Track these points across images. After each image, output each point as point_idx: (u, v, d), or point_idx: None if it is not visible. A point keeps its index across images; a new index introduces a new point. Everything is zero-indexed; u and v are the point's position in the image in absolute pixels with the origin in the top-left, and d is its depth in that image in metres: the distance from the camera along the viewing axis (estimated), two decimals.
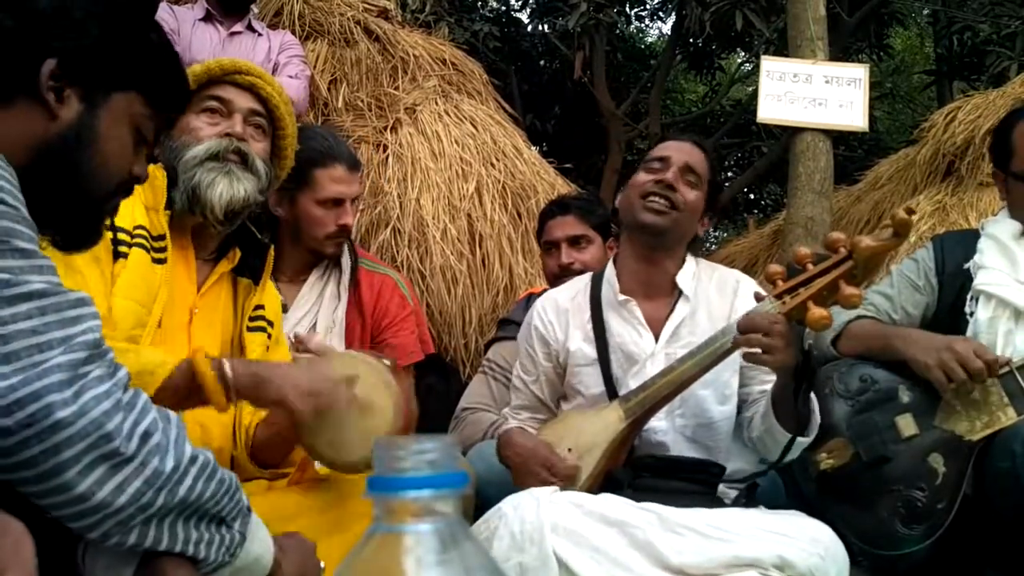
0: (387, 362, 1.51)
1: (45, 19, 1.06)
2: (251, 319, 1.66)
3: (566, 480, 1.72)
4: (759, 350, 1.61)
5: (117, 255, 1.46)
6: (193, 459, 1.02)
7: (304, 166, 2.04)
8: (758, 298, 1.68)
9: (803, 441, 1.75)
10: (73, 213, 1.07)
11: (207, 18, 3.24)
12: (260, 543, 1.13)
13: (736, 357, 1.74)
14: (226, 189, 1.57)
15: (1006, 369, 1.84)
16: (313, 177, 2.09)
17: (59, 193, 1.05)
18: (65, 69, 1.07)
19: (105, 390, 0.94)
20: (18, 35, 1.05)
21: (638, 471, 1.74)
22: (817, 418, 1.77)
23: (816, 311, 1.59)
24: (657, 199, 1.81)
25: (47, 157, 1.04)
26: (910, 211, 1.57)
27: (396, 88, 3.81)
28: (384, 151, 3.60)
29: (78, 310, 0.95)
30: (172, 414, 1.04)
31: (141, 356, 1.29)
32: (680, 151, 1.87)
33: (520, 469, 1.78)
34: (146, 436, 0.96)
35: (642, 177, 1.86)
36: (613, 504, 1.58)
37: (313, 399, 1.35)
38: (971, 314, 2.00)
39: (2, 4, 1.05)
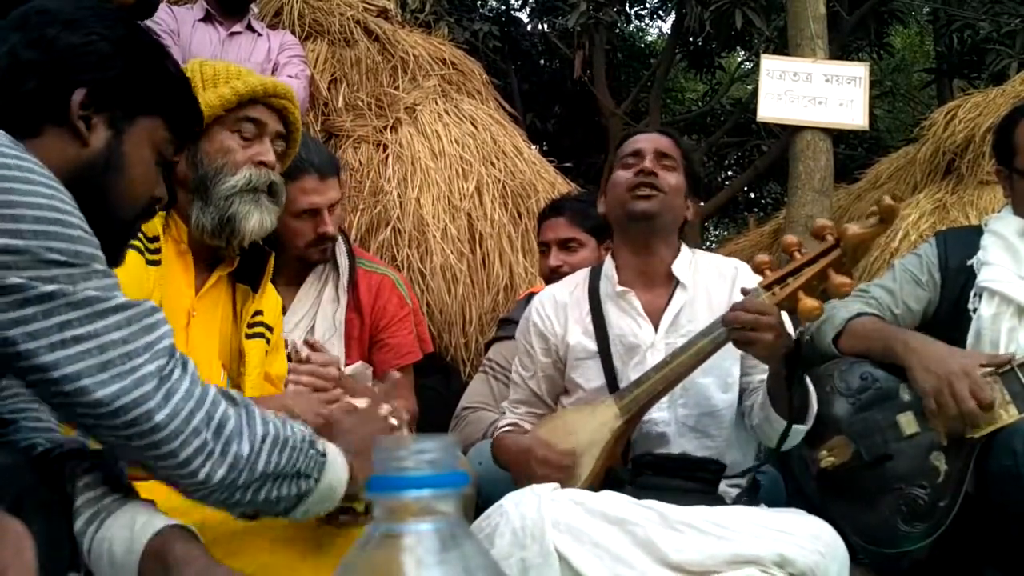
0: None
1: (71, 55, 1.13)
2: (250, 326, 1.66)
3: (565, 470, 1.72)
4: (748, 341, 1.62)
5: None
6: (264, 437, 1.10)
7: None
8: (745, 292, 1.68)
9: (800, 428, 1.75)
10: (103, 236, 1.09)
11: (207, 18, 3.23)
12: (334, 473, 1.19)
13: None
14: (257, 222, 1.59)
15: (1008, 367, 1.83)
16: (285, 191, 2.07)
17: (90, 217, 1.07)
18: (93, 98, 1.13)
19: (187, 389, 1.04)
20: (45, 70, 1.11)
21: (639, 469, 1.75)
22: (815, 406, 1.77)
23: (807, 301, 1.58)
24: (643, 188, 1.84)
25: (78, 183, 1.07)
26: (896, 197, 1.57)
27: (396, 88, 3.81)
28: (384, 151, 3.60)
29: (154, 317, 1.06)
30: (237, 395, 1.13)
31: None
32: (649, 141, 1.92)
33: (518, 471, 1.78)
34: (221, 425, 1.06)
35: (622, 174, 1.88)
36: (614, 502, 1.58)
37: None
38: (974, 311, 2.00)
39: (30, 42, 1.12)
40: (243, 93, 1.59)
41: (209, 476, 1.05)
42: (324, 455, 1.18)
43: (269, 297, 1.74)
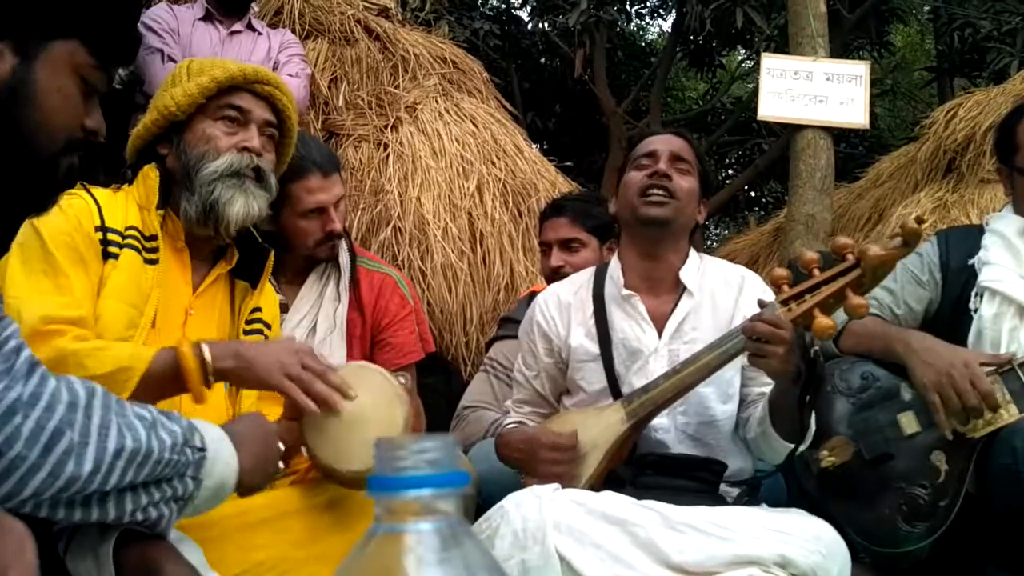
0: (402, 380, 1.49)
1: None
2: (248, 322, 1.66)
3: (572, 454, 1.71)
4: (762, 355, 1.60)
5: (107, 256, 1.45)
6: (118, 452, 0.96)
7: (279, 182, 2.03)
8: (762, 304, 1.65)
9: (799, 448, 1.74)
10: (22, 174, 1.02)
11: (207, 17, 3.23)
12: (221, 468, 1.11)
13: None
14: (242, 207, 1.58)
15: (1008, 367, 1.83)
16: (289, 192, 2.05)
17: (5, 153, 1.01)
18: None
19: None
20: None
21: (640, 469, 1.74)
22: (812, 427, 1.77)
23: (822, 320, 1.56)
24: (655, 192, 1.81)
25: None
26: (920, 220, 1.56)
27: (396, 87, 3.81)
28: (385, 150, 3.60)
29: None
30: (106, 397, 0.99)
31: (116, 352, 1.30)
32: (664, 142, 1.89)
33: (527, 462, 1.77)
34: (54, 437, 0.91)
35: (635, 176, 1.86)
36: (615, 502, 1.57)
37: (299, 382, 1.34)
38: (975, 310, 2.00)
39: None
40: (222, 80, 1.59)
41: (37, 493, 0.91)
42: (203, 449, 1.09)
43: (267, 295, 1.74)
